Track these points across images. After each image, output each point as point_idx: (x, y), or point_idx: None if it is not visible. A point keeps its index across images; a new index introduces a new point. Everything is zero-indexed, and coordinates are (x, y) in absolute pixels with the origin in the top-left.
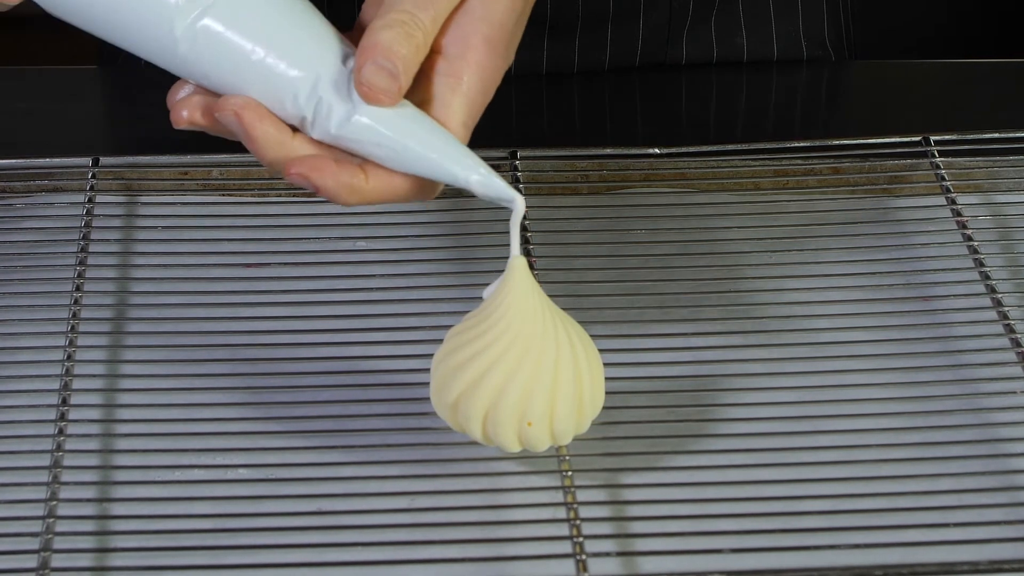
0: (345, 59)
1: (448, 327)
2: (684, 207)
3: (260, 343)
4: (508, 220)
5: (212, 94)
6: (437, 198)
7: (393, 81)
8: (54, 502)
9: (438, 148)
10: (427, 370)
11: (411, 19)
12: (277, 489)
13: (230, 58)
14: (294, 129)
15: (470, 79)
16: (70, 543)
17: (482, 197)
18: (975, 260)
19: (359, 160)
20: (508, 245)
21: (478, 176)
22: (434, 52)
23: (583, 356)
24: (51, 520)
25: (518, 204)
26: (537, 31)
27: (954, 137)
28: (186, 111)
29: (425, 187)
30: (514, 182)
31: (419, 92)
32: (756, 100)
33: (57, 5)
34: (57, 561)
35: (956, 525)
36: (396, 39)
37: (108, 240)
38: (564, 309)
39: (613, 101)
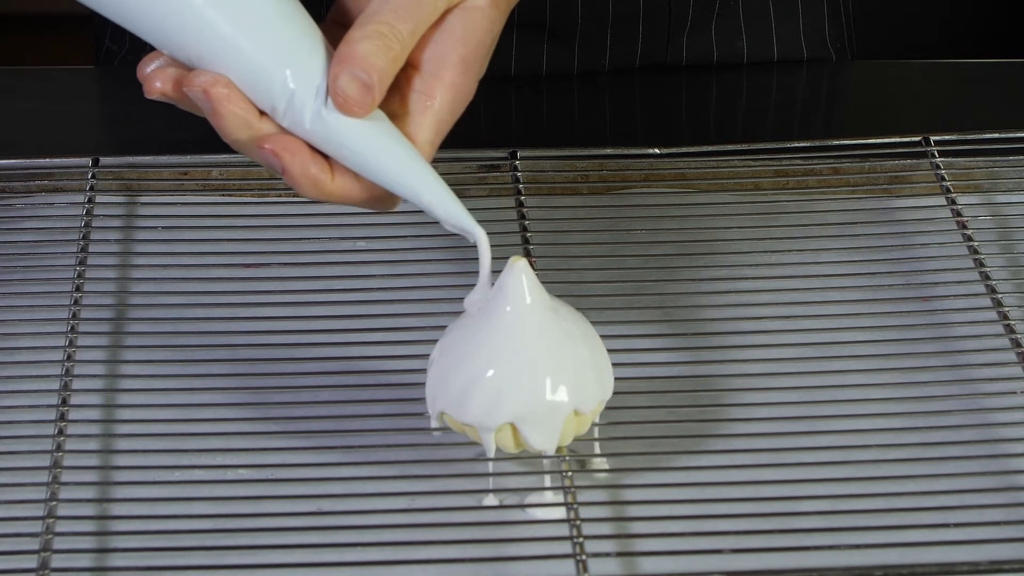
0: (325, 60)
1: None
2: (684, 207)
3: (260, 343)
4: (509, 221)
5: (186, 67)
6: None
7: (367, 93)
8: (54, 502)
9: (407, 166)
10: (426, 370)
11: (390, 31)
12: (277, 489)
13: (209, 34)
14: (261, 113)
15: (442, 98)
16: (70, 543)
17: (443, 224)
18: (975, 260)
19: (327, 158)
20: (508, 246)
21: (439, 199)
22: (410, 66)
23: (586, 354)
24: (51, 520)
25: (481, 239)
26: (537, 35)
27: (954, 137)
28: (159, 82)
29: (384, 199)
30: (514, 182)
31: (391, 104)
32: (756, 100)
33: None
34: (57, 561)
35: (956, 525)
36: (374, 51)
37: (108, 240)
38: None
39: (613, 101)
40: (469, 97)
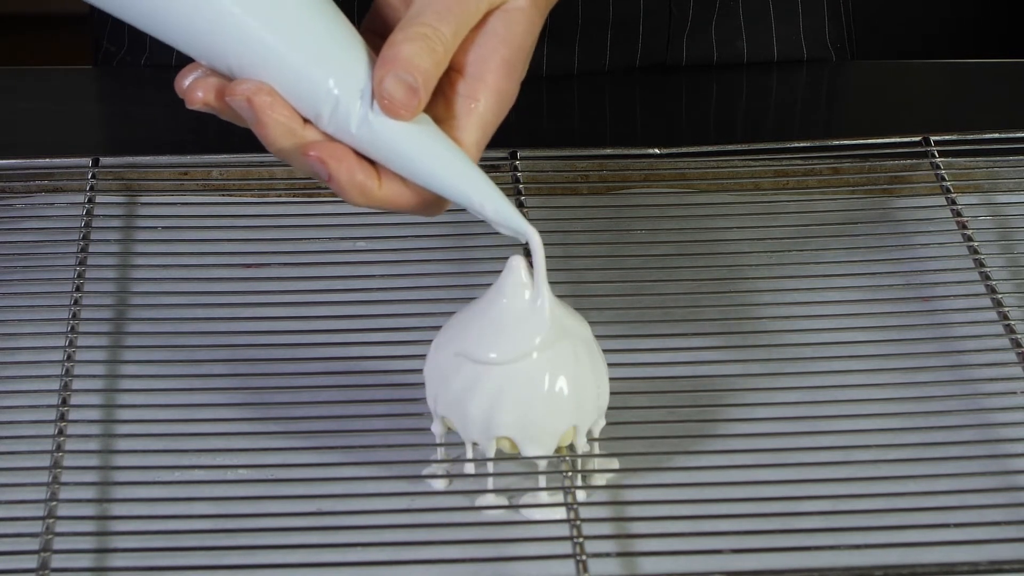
0: (368, 65)
1: None
2: (684, 207)
3: (260, 343)
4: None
5: (225, 76)
6: None
7: (413, 95)
8: (54, 502)
9: (456, 168)
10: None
11: (433, 33)
12: (277, 489)
13: (251, 44)
14: (305, 121)
15: (487, 101)
16: (70, 543)
17: (494, 226)
18: (975, 260)
19: (374, 164)
20: (509, 246)
21: (491, 202)
22: (454, 70)
23: (585, 357)
24: (51, 520)
25: (534, 240)
26: None
27: (954, 137)
28: (201, 91)
29: (434, 203)
30: (514, 182)
31: (436, 109)
32: (756, 100)
33: None
34: (57, 561)
35: (956, 525)
36: (418, 52)
37: (108, 240)
38: None
39: (613, 102)
40: (512, 99)
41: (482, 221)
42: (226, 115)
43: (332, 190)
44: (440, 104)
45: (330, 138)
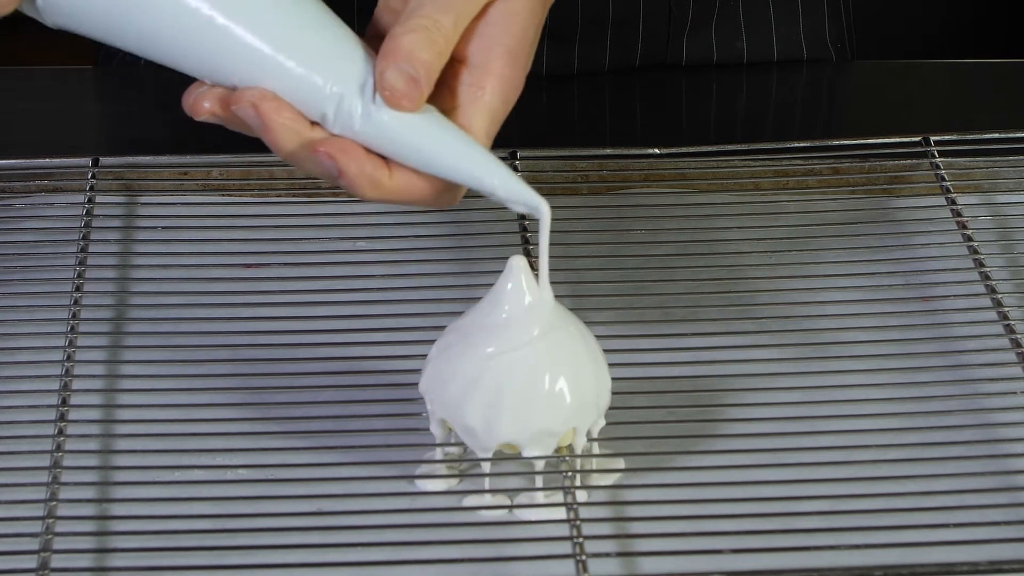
0: (367, 61)
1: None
2: (684, 207)
3: (260, 343)
4: (509, 221)
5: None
6: None
7: (415, 86)
8: (54, 502)
9: (462, 151)
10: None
11: (433, 24)
12: (277, 489)
13: (250, 59)
14: (312, 124)
15: (492, 89)
16: (70, 543)
17: (506, 203)
18: (975, 260)
19: (384, 158)
20: (508, 246)
21: (501, 180)
22: (457, 61)
23: (586, 358)
24: (51, 520)
25: (544, 211)
26: None
27: (954, 137)
28: (207, 102)
29: (446, 191)
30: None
31: (442, 100)
32: (756, 100)
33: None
34: (57, 561)
35: (956, 525)
36: (418, 44)
37: (108, 240)
38: None
39: (613, 101)
40: (519, 89)
41: (482, 221)
42: (233, 124)
43: (343, 187)
44: (446, 95)
45: (335, 136)
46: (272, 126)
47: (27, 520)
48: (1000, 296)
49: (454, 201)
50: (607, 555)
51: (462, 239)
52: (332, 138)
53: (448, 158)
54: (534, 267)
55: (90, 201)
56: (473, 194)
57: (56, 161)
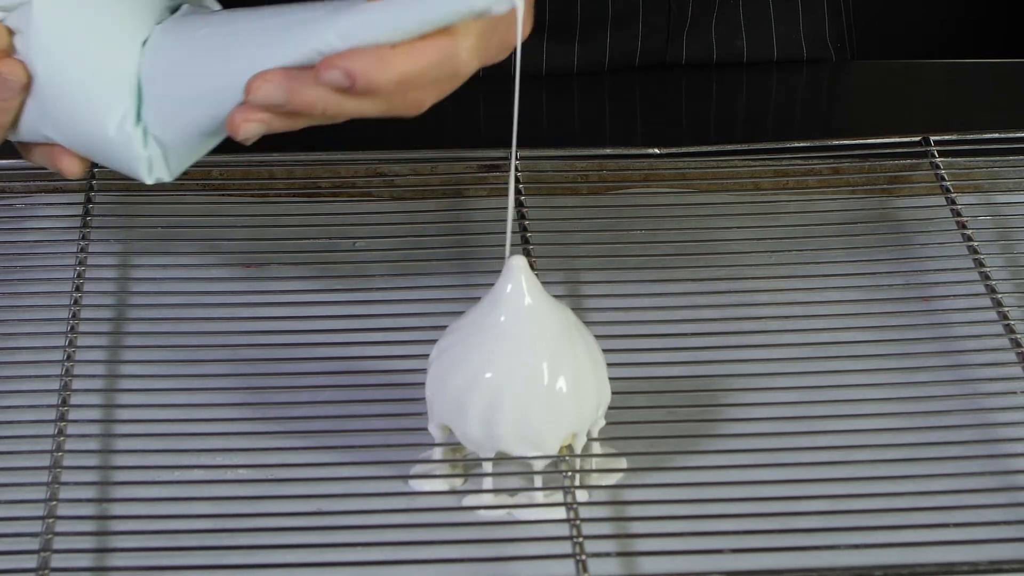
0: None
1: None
2: (684, 207)
3: (260, 343)
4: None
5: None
6: (437, 198)
7: None
8: (54, 502)
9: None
10: (426, 370)
11: None
12: (277, 489)
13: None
14: None
15: None
16: (70, 543)
17: (485, 13)
18: (975, 260)
19: None
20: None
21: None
22: None
23: (586, 359)
24: (51, 520)
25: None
26: (536, 34)
27: (954, 137)
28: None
29: (446, 48)
30: (514, 182)
31: None
32: (756, 100)
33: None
34: (57, 561)
35: (955, 525)
36: None
37: (108, 240)
38: None
39: (613, 101)
40: None
41: (482, 221)
42: (277, 127)
43: (361, 88)
44: None
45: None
46: (301, 101)
47: (27, 520)
48: (1000, 296)
49: (462, 71)
50: (607, 555)
51: (462, 239)
52: (328, 58)
53: (417, 7)
54: (534, 267)
55: (90, 201)
56: (473, 194)
57: None
